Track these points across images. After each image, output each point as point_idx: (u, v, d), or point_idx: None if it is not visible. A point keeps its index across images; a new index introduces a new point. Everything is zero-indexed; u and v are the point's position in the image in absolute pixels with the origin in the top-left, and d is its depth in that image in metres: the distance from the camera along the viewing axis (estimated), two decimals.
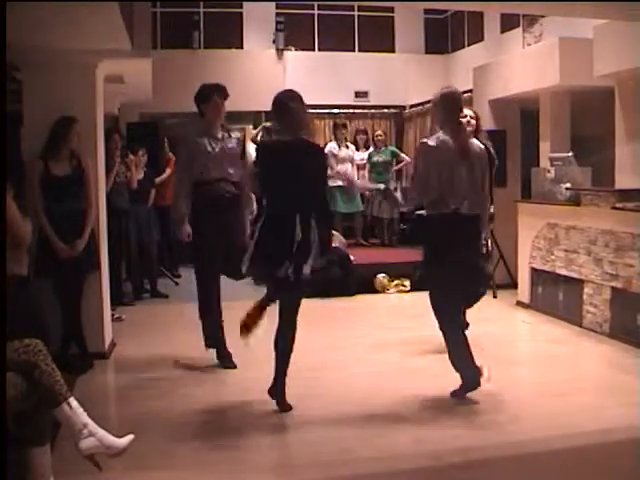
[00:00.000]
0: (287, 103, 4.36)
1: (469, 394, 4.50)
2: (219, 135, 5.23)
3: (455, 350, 4.49)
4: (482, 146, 4.57)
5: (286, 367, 4.30)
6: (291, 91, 4.50)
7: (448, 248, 4.35)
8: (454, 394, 4.52)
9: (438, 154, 4.37)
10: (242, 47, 11.30)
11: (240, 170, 5.25)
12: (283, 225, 4.17)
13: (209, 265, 5.16)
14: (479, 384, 4.48)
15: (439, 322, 4.52)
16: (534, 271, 7.16)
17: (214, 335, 5.28)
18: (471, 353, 4.46)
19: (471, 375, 4.47)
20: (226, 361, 5.24)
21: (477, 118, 5.65)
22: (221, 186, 5.12)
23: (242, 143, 5.60)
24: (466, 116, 5.36)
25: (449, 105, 4.45)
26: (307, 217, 4.18)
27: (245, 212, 5.24)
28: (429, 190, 4.41)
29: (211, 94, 5.17)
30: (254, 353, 5.45)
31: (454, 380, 4.55)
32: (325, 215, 4.36)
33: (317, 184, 4.32)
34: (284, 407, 4.31)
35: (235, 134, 5.43)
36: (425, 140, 4.53)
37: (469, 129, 5.17)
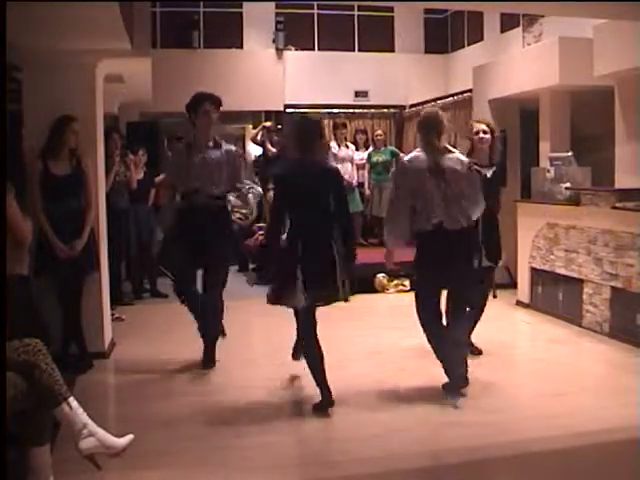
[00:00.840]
0: (310, 130, 4.45)
1: (469, 394, 4.50)
2: (208, 145, 5.15)
3: (435, 347, 4.64)
4: (464, 160, 4.61)
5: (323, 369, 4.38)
6: (310, 119, 4.79)
7: (427, 262, 4.54)
8: (444, 387, 4.59)
9: (410, 170, 4.56)
10: (242, 47, 11.29)
11: (226, 182, 5.20)
12: (316, 247, 4.27)
13: (184, 276, 5.21)
14: (462, 382, 4.56)
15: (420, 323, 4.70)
16: (534, 271, 7.16)
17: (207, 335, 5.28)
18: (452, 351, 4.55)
19: (452, 372, 4.55)
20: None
21: (492, 131, 5.34)
22: (199, 198, 5.10)
23: (236, 154, 5.45)
24: (478, 132, 5.27)
25: (425, 127, 4.63)
26: (332, 237, 4.33)
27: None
28: (400, 216, 4.58)
29: (203, 102, 5.08)
30: (253, 353, 5.46)
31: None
32: (351, 235, 4.53)
33: (340, 206, 4.40)
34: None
35: (227, 146, 5.29)
36: (401, 157, 4.69)
37: (484, 145, 5.23)
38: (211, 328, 5.24)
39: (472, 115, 8.85)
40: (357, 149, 10.40)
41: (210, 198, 5.13)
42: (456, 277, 4.53)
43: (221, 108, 5.21)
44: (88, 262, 5.28)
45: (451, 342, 4.53)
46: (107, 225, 5.87)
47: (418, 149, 4.67)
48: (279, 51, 11.24)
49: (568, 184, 6.71)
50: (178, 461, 3.64)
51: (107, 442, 3.05)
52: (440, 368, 4.65)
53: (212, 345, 5.23)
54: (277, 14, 11.18)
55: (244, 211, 10.60)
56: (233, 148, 5.39)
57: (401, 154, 10.42)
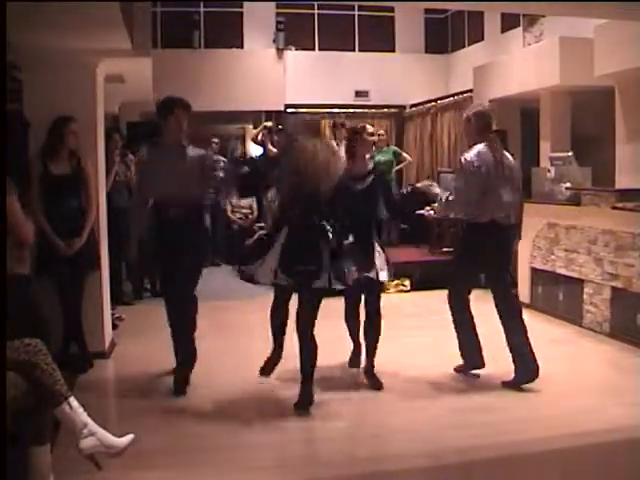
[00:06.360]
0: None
1: (469, 394, 4.51)
2: (176, 152, 4.75)
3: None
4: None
5: None
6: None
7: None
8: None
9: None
10: (242, 47, 11.30)
11: (196, 188, 4.80)
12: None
13: (167, 293, 4.91)
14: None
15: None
16: (534, 271, 7.16)
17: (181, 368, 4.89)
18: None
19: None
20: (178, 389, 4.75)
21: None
22: (171, 209, 4.71)
23: (206, 159, 4.95)
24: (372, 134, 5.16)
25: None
26: None
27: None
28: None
29: (173, 107, 4.75)
30: (253, 353, 5.45)
31: (452, 380, 4.56)
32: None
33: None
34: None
35: (195, 151, 4.84)
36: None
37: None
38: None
39: None
40: None
41: (180, 208, 4.73)
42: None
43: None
44: (88, 262, 5.28)
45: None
46: (107, 225, 5.87)
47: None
48: (279, 51, 11.25)
49: (568, 184, 6.71)
50: (178, 461, 3.64)
51: (107, 442, 3.05)
52: (440, 367, 4.65)
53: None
54: (277, 14, 11.19)
55: (245, 211, 10.64)
56: (202, 152, 4.96)
57: (403, 154, 10.41)
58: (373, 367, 4.86)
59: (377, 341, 4.86)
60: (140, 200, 4.92)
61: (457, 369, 5.02)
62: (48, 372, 2.93)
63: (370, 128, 5.02)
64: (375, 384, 4.77)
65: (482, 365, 4.99)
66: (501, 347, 5.04)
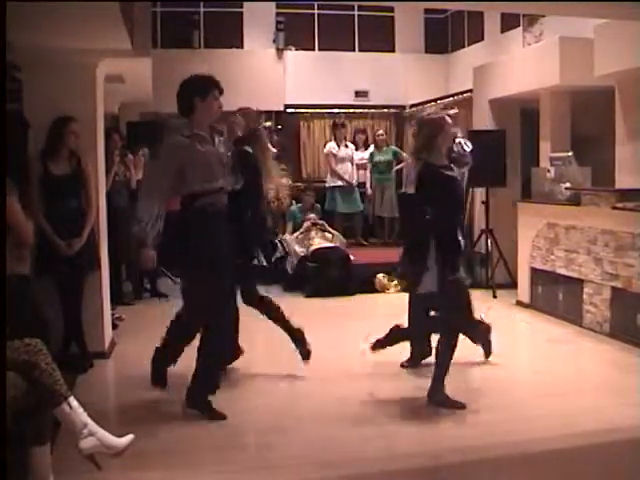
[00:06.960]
0: None
1: (469, 394, 4.51)
2: (214, 139, 4.44)
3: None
4: None
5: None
6: None
7: None
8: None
9: None
10: (242, 47, 11.29)
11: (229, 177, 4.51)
12: None
13: (218, 296, 4.25)
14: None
15: None
16: (534, 271, 7.16)
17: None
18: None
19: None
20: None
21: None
22: (219, 198, 4.31)
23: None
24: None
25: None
26: None
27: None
28: None
29: (211, 86, 4.40)
30: (252, 353, 5.46)
31: (453, 379, 4.56)
32: None
33: None
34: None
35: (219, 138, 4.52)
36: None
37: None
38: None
39: (472, 115, 8.87)
40: (357, 149, 10.40)
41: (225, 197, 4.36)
42: None
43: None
44: (88, 262, 5.29)
45: None
46: (107, 225, 5.87)
47: None
48: (279, 51, 11.24)
49: (568, 184, 6.71)
50: (179, 461, 3.64)
51: (107, 442, 3.05)
52: None
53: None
54: (277, 14, 11.18)
55: None
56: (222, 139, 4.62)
57: (403, 154, 10.41)
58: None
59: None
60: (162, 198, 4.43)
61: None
62: (48, 372, 2.93)
63: (449, 118, 4.50)
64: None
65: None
66: (501, 349, 5.04)
